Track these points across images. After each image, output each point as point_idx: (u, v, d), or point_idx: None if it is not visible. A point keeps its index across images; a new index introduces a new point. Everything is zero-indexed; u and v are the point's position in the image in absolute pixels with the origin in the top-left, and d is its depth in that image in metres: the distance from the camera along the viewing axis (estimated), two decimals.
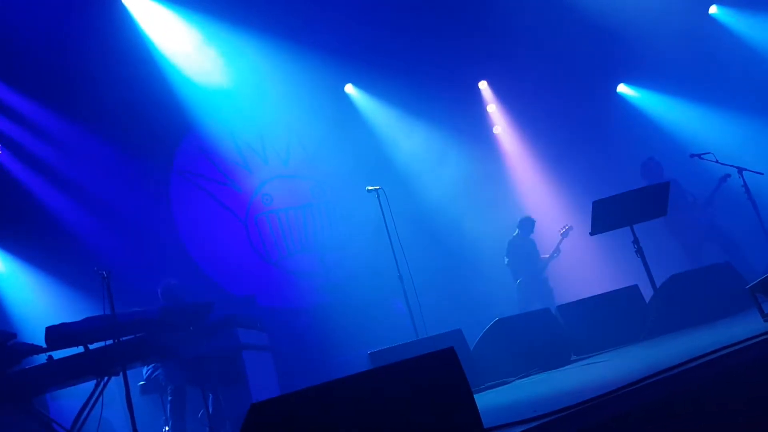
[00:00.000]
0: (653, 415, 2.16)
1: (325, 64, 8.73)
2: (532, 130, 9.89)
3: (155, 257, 7.60)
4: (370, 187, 6.34)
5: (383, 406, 2.17)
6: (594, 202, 5.42)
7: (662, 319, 5.03)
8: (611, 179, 8.29)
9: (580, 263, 8.89)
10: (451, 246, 9.13)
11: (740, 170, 6.36)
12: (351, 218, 9.00)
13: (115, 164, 7.78)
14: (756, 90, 8.90)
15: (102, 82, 7.56)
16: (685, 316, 4.97)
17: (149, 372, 5.93)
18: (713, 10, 9.68)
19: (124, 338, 4.74)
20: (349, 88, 9.55)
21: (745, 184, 6.34)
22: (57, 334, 4.61)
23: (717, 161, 6.38)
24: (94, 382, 4.80)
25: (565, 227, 8.27)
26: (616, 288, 5.58)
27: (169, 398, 5.61)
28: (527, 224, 8.35)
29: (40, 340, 4.67)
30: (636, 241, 5.52)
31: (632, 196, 5.49)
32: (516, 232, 8.39)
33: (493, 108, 10.26)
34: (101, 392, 4.74)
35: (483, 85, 10.22)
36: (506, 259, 8.36)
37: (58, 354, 4.69)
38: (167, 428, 5.69)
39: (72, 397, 5.34)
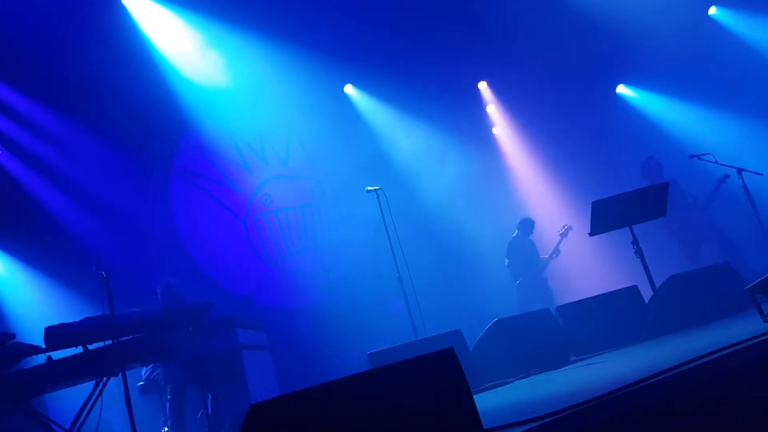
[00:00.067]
0: (653, 415, 2.16)
1: (324, 65, 8.73)
2: (532, 131, 9.89)
3: (154, 257, 7.59)
4: (369, 188, 6.34)
5: (382, 406, 2.17)
6: (593, 203, 5.42)
7: (662, 320, 5.03)
8: (611, 180, 8.29)
9: (579, 264, 8.90)
10: (451, 246, 9.13)
11: (739, 171, 6.36)
12: (351, 218, 8.99)
13: (115, 164, 7.77)
14: (755, 91, 8.91)
15: (101, 82, 7.56)
16: (684, 316, 4.97)
17: (148, 372, 5.92)
18: (712, 11, 9.69)
19: (123, 338, 4.73)
20: (349, 89, 9.55)
21: (744, 185, 6.34)
22: (56, 335, 4.60)
23: (716, 162, 6.39)
24: (93, 382, 4.80)
25: (564, 227, 8.27)
26: (616, 288, 5.58)
27: (168, 398, 5.61)
28: (527, 225, 8.35)
29: (39, 340, 4.66)
30: (635, 242, 5.52)
31: (631, 196, 5.49)
32: (516, 232, 8.39)
33: (492, 108, 10.27)
34: (100, 393, 4.74)
35: (483, 85, 10.22)
36: (507, 260, 8.36)
37: (57, 354, 4.69)
38: (166, 429, 5.68)
39: (71, 397, 5.33)
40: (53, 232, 7.43)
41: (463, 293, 8.87)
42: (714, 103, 9.20)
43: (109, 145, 7.74)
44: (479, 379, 4.80)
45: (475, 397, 2.29)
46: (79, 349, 4.72)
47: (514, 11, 9.08)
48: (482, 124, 10.20)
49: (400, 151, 9.45)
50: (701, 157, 6.43)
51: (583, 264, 8.93)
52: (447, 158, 9.41)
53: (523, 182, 10.05)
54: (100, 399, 4.72)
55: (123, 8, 7.82)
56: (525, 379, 4.68)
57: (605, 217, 5.46)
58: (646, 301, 5.39)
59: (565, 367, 4.76)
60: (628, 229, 5.58)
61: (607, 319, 5.27)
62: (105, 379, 4.80)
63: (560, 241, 8.25)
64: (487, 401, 3.81)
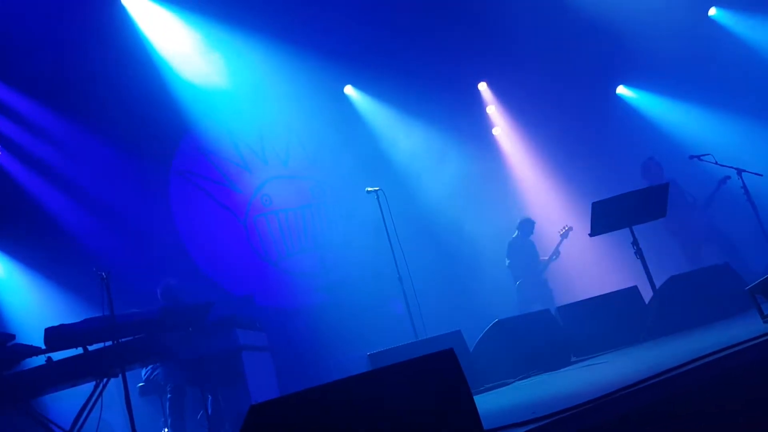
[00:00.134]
0: (653, 416, 2.16)
1: (324, 65, 8.73)
2: (532, 131, 9.90)
3: (154, 258, 7.59)
4: (369, 188, 6.34)
5: (382, 407, 2.17)
6: (593, 204, 5.42)
7: (662, 321, 5.03)
8: (611, 180, 8.29)
9: (579, 264, 8.90)
10: (451, 247, 9.13)
11: (739, 171, 6.36)
12: (351, 219, 8.99)
13: (115, 165, 7.77)
14: (755, 91, 8.91)
15: (101, 83, 7.56)
16: (684, 317, 4.97)
17: (148, 373, 5.92)
18: (712, 11, 9.69)
19: (123, 339, 4.73)
20: (349, 89, 9.55)
21: (744, 186, 6.34)
22: (56, 335, 4.60)
23: (716, 162, 6.39)
24: (93, 383, 4.80)
25: (564, 228, 8.27)
26: (616, 289, 5.58)
27: (168, 398, 5.61)
28: (527, 225, 8.35)
29: (39, 341, 4.66)
30: (635, 242, 5.52)
31: (631, 197, 5.49)
32: (516, 233, 8.39)
33: (492, 109, 10.27)
34: (100, 393, 4.74)
35: (482, 86, 10.22)
36: (507, 261, 8.36)
37: (57, 355, 4.69)
38: (166, 429, 5.68)
39: (71, 398, 5.33)
40: (53, 232, 7.43)
41: (463, 294, 8.87)
42: (714, 103, 9.20)
43: (109, 146, 7.74)
44: (479, 380, 4.80)
45: (475, 398, 2.29)
46: (79, 350, 4.71)
47: (514, 12, 9.08)
48: (482, 124, 10.21)
49: (400, 151, 9.45)
50: (701, 157, 6.43)
51: (584, 265, 8.93)
52: (447, 159, 9.41)
53: (523, 183, 10.05)
54: (100, 400, 4.72)
55: (122, 9, 7.82)
56: (525, 380, 4.68)
57: (605, 217, 5.46)
58: (647, 302, 5.39)
59: (566, 368, 4.76)
60: (628, 229, 5.58)
61: (607, 319, 5.27)
62: (105, 379, 4.79)
63: (560, 242, 8.24)
64: (488, 402, 3.81)
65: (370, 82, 9.37)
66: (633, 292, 5.51)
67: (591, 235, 5.59)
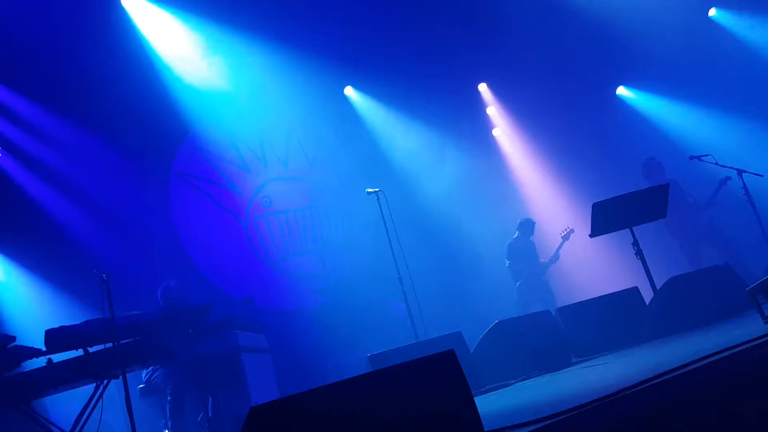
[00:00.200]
0: (654, 417, 2.16)
1: (324, 67, 8.73)
2: (532, 132, 9.90)
3: (154, 259, 7.58)
4: (369, 189, 6.35)
5: (383, 408, 2.17)
6: (593, 204, 5.42)
7: (662, 321, 5.02)
8: (611, 181, 8.29)
9: (580, 265, 8.89)
10: (451, 248, 9.13)
11: (740, 172, 6.36)
12: (351, 220, 8.99)
13: (115, 166, 7.76)
14: (755, 92, 8.90)
15: (101, 85, 7.55)
16: (685, 318, 4.96)
17: (149, 375, 5.91)
18: (712, 12, 9.69)
19: (123, 341, 4.73)
20: (349, 91, 9.56)
21: (744, 186, 6.33)
22: (56, 337, 4.59)
23: (716, 163, 6.39)
24: (93, 385, 4.80)
25: (566, 230, 8.25)
26: (616, 290, 5.58)
27: (169, 398, 5.60)
28: (527, 226, 8.35)
29: (39, 343, 4.66)
30: (636, 243, 5.52)
31: (632, 198, 5.49)
32: (516, 234, 8.38)
33: (492, 110, 10.27)
34: (101, 395, 4.73)
35: (483, 87, 10.23)
36: (507, 262, 8.35)
37: (58, 357, 4.68)
38: (167, 431, 5.67)
39: (72, 400, 5.32)
40: (53, 234, 7.42)
41: (463, 295, 8.87)
42: (714, 104, 9.20)
43: (109, 148, 7.74)
44: (480, 381, 4.80)
45: (475, 399, 2.29)
46: (80, 352, 4.71)
47: (514, 13, 9.09)
48: (482, 125, 10.21)
49: (401, 153, 9.45)
50: (701, 158, 6.43)
51: (584, 265, 8.93)
52: (447, 160, 9.41)
53: (523, 183, 10.05)
54: (100, 401, 4.72)
55: (123, 11, 7.83)
56: (526, 381, 4.68)
57: (605, 218, 5.46)
58: (647, 303, 5.39)
59: (566, 369, 4.76)
60: (628, 230, 5.58)
61: (607, 320, 5.27)
62: (105, 381, 4.79)
63: (561, 244, 8.23)
64: (488, 403, 3.81)
65: (370, 83, 9.38)
66: (633, 292, 5.51)
67: (591, 235, 5.59)
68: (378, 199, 6.26)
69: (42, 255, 7.25)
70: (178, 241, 8.27)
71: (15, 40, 7.13)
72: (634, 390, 2.29)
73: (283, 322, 8.15)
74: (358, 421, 2.14)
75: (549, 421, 2.19)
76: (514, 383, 4.73)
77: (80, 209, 7.62)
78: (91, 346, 4.72)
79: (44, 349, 4.63)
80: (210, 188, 8.72)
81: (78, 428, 4.65)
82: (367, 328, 7.85)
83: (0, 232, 7.21)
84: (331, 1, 8.60)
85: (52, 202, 7.57)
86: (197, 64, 8.37)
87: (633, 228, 5.57)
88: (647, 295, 5.43)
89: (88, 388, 4.82)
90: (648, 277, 5.43)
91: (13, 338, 4.71)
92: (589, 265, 8.94)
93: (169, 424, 5.57)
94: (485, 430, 2.24)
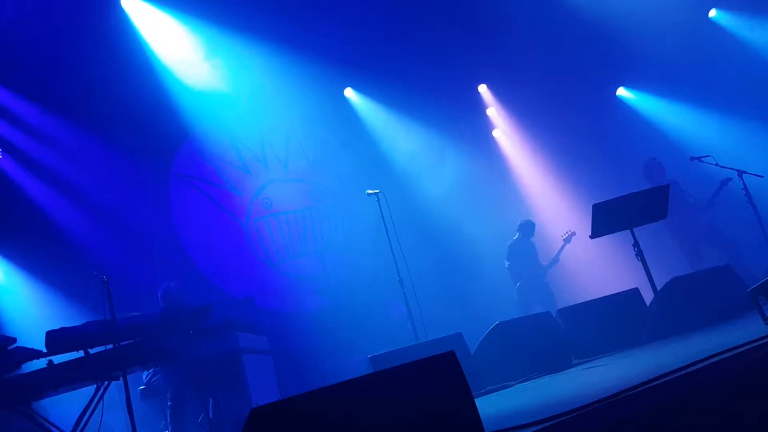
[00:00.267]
0: (655, 419, 2.16)
1: (324, 68, 8.74)
2: (532, 133, 9.90)
3: (155, 261, 7.59)
4: (370, 191, 6.35)
5: (384, 410, 2.17)
6: (594, 206, 5.42)
7: (663, 323, 5.02)
8: (612, 182, 8.29)
9: (580, 266, 8.89)
10: (452, 249, 9.13)
11: (740, 173, 6.35)
12: (351, 221, 8.99)
13: (116, 168, 7.78)
14: (756, 93, 8.90)
15: (101, 87, 7.57)
16: (685, 319, 4.96)
17: (149, 376, 5.91)
18: (713, 13, 9.69)
19: (124, 342, 4.73)
20: (349, 92, 9.56)
21: (745, 187, 6.33)
22: (57, 339, 4.60)
23: (717, 164, 6.38)
24: (94, 386, 4.80)
25: (567, 232, 8.24)
26: (617, 291, 5.57)
27: (169, 403, 5.60)
28: (527, 227, 8.34)
29: (40, 344, 4.66)
30: (636, 244, 5.52)
31: (632, 199, 5.49)
32: (516, 235, 8.38)
33: (493, 111, 10.27)
34: (101, 397, 4.73)
35: (483, 88, 10.23)
36: (507, 263, 8.35)
37: (59, 358, 4.69)
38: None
39: (72, 401, 5.33)
40: (53, 236, 7.44)
41: (464, 296, 8.86)
42: (715, 105, 9.20)
43: (109, 150, 7.75)
44: (480, 382, 4.79)
45: (476, 400, 2.29)
46: (80, 353, 4.71)
47: (515, 14, 9.09)
48: (482, 126, 10.21)
49: (401, 154, 9.46)
50: (702, 159, 6.43)
51: (585, 266, 8.92)
52: (447, 161, 9.41)
53: (523, 185, 10.05)
54: (101, 403, 4.72)
55: (123, 14, 7.83)
56: (526, 383, 4.68)
57: (606, 219, 5.46)
58: (648, 304, 5.38)
59: (567, 371, 4.75)
60: (629, 231, 5.58)
61: (608, 321, 5.26)
62: (106, 382, 4.79)
63: (563, 247, 8.22)
64: (489, 405, 3.80)
65: (370, 84, 9.38)
66: (634, 294, 5.50)
67: (592, 237, 5.58)
68: (378, 200, 6.26)
69: (42, 256, 7.26)
70: (178, 243, 8.28)
71: (16, 42, 7.14)
72: (635, 391, 2.29)
73: (284, 323, 8.15)
74: (359, 422, 2.14)
75: (550, 423, 2.19)
76: (514, 385, 4.72)
77: (80, 211, 7.62)
78: (91, 348, 4.72)
79: (45, 350, 4.64)
80: (210, 189, 8.73)
81: (79, 429, 4.65)
82: (367, 329, 7.85)
83: (0, 233, 7.21)
84: (332, 3, 8.60)
85: (52, 204, 7.58)
86: (197, 66, 8.38)
87: (633, 229, 5.56)
88: (648, 296, 5.43)
89: (89, 390, 4.83)
90: (648, 278, 5.43)
91: (14, 339, 4.71)
92: (590, 266, 8.93)
93: (170, 426, 5.57)
94: (486, 431, 2.23)
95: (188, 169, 8.69)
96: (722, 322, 4.69)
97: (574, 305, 5.58)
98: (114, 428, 6.30)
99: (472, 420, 2.21)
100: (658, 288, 5.29)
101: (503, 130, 10.24)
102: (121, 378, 4.45)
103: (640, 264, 5.50)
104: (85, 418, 4.70)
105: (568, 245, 8.22)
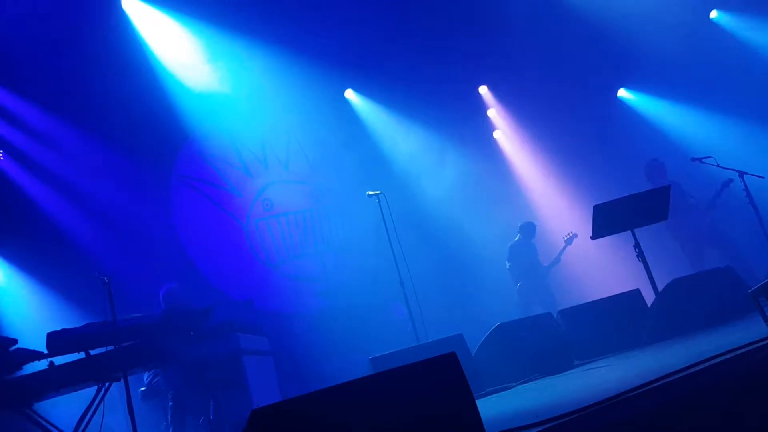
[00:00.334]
0: (656, 420, 2.16)
1: (325, 70, 8.74)
2: (533, 134, 9.90)
3: (156, 262, 7.59)
4: (370, 192, 6.35)
5: (384, 411, 2.17)
6: (594, 207, 5.42)
7: (664, 324, 5.02)
8: (612, 183, 8.29)
9: (581, 267, 8.88)
10: (453, 251, 9.13)
11: (741, 174, 6.35)
12: (351, 223, 8.99)
13: (116, 169, 7.78)
14: (757, 94, 8.90)
15: (102, 88, 7.57)
16: (687, 320, 4.96)
17: (150, 378, 5.92)
18: (714, 14, 9.69)
19: (125, 344, 4.73)
20: (349, 94, 9.57)
21: (746, 188, 6.33)
22: (58, 340, 4.60)
23: (718, 165, 6.38)
24: (95, 387, 4.80)
25: (569, 234, 8.23)
26: (618, 292, 5.57)
27: (170, 404, 5.60)
28: (528, 229, 8.34)
29: (41, 346, 4.66)
30: (637, 245, 5.51)
31: (633, 200, 5.48)
32: (517, 236, 8.38)
33: (493, 112, 10.27)
34: (102, 398, 4.74)
35: (483, 89, 10.23)
36: (508, 264, 8.34)
37: (59, 360, 4.69)
38: None
39: (73, 403, 5.33)
40: (54, 237, 7.44)
41: (465, 297, 8.86)
42: (716, 106, 9.19)
43: (110, 151, 7.75)
44: (481, 383, 4.79)
45: (477, 401, 2.28)
46: (81, 355, 4.72)
47: (515, 15, 9.09)
48: (483, 127, 10.21)
49: (401, 155, 9.46)
50: (703, 160, 6.43)
51: (586, 267, 8.92)
52: (448, 162, 9.41)
53: (524, 186, 10.05)
54: (102, 404, 4.72)
55: (124, 16, 7.84)
56: (527, 384, 4.67)
57: (607, 220, 5.45)
58: (649, 305, 5.38)
59: (568, 372, 4.75)
60: (630, 232, 5.57)
61: (609, 323, 5.26)
62: (107, 384, 4.79)
63: (564, 248, 8.21)
64: (490, 406, 3.80)
65: (371, 86, 9.39)
66: (635, 295, 5.50)
67: (593, 238, 5.58)
68: (379, 201, 6.26)
69: (43, 258, 7.26)
70: (179, 244, 8.28)
71: (18, 43, 7.15)
72: (636, 393, 2.29)
73: (285, 324, 8.15)
74: (360, 423, 2.14)
75: (550, 424, 2.19)
76: (515, 386, 4.72)
77: (81, 212, 7.63)
78: (92, 349, 4.73)
79: (46, 351, 4.64)
80: (211, 191, 8.73)
81: (80, 431, 4.65)
82: (368, 330, 7.85)
83: (1, 235, 7.21)
84: (332, 4, 8.61)
85: (53, 205, 7.58)
86: (198, 68, 8.39)
87: (634, 230, 5.56)
88: (649, 298, 5.42)
89: (90, 391, 4.83)
90: (650, 279, 5.42)
91: (15, 341, 4.72)
92: (591, 267, 8.93)
93: (171, 427, 5.57)
94: None
95: (189, 170, 8.69)
96: (723, 324, 4.69)
97: (575, 306, 5.58)
98: (115, 430, 6.30)
99: (474, 421, 2.21)
100: (660, 289, 5.28)
101: (504, 131, 10.24)
102: (122, 379, 4.45)
103: (641, 265, 5.50)
104: (86, 419, 4.70)
105: (569, 246, 8.22)
